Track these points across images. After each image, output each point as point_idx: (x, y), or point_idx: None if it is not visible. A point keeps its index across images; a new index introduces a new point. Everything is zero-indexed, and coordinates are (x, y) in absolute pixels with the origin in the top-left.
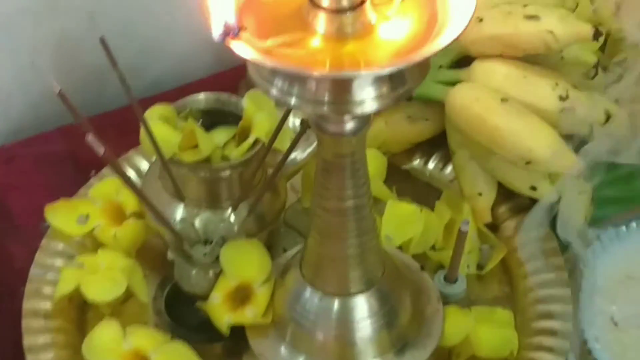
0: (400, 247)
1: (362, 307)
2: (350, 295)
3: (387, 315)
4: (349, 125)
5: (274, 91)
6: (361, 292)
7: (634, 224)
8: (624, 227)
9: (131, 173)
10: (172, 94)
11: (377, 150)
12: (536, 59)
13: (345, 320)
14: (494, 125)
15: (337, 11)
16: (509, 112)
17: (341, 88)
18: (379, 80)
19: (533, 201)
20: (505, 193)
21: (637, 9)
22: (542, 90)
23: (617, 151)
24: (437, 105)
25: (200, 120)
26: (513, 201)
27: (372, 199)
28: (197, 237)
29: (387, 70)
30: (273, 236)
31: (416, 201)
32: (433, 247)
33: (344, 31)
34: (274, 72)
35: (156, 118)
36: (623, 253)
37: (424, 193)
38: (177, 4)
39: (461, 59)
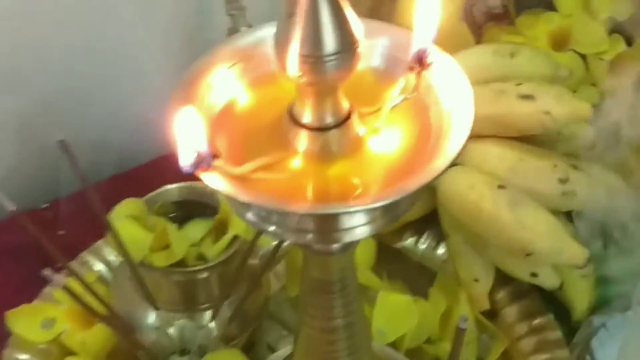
0: (394, 342)
1: None
2: None
3: None
4: (339, 244)
5: (250, 215)
6: None
7: None
8: (631, 312)
9: (101, 266)
10: (143, 170)
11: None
12: (532, 135)
13: None
14: (491, 215)
15: (321, 129)
16: (507, 201)
17: (327, 219)
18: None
19: (534, 285)
20: (503, 276)
21: (631, 67)
22: (541, 173)
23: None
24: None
25: (174, 213)
26: (512, 285)
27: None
28: (173, 346)
29: (379, 204)
30: (256, 332)
31: (408, 284)
32: (429, 340)
33: (329, 150)
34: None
35: (124, 216)
36: (633, 342)
37: (416, 275)
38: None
39: None
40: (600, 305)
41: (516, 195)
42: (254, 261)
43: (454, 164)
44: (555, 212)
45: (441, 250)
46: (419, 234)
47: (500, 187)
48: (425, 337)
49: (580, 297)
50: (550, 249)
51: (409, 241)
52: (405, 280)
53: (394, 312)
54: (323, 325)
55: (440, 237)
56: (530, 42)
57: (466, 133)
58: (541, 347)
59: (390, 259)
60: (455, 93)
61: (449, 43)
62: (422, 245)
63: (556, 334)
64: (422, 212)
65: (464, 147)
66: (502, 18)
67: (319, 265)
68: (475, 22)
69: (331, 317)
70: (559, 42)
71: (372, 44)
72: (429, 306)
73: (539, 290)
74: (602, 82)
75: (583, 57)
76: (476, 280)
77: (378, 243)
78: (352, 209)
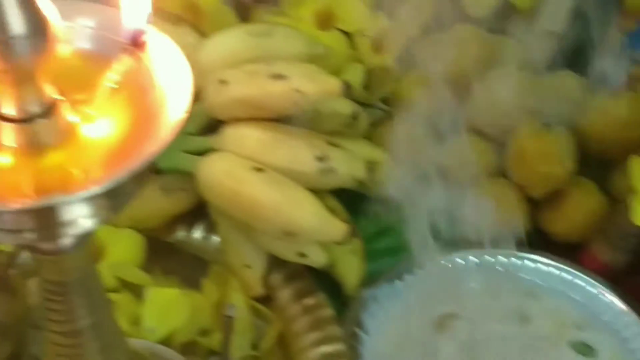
0: (166, 338)
1: None
2: None
3: None
4: (67, 240)
5: None
6: None
7: (408, 277)
8: (398, 281)
9: None
10: None
11: (131, 231)
12: (291, 116)
13: None
14: (250, 198)
15: (25, 120)
16: (265, 183)
17: (45, 213)
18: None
19: (308, 266)
20: (278, 260)
21: (396, 42)
22: (298, 152)
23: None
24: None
25: None
26: (287, 268)
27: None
28: None
29: (92, 192)
30: (19, 343)
31: (184, 278)
32: (203, 332)
33: (39, 141)
34: None
35: None
36: (400, 309)
37: (192, 267)
38: None
39: (212, 124)
40: (371, 279)
41: (273, 176)
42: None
43: (212, 150)
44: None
45: (215, 240)
46: (191, 225)
47: (258, 169)
48: (198, 330)
49: (350, 273)
50: (310, 227)
51: (182, 234)
52: (181, 274)
53: (164, 308)
54: (66, 328)
55: (213, 226)
56: (295, 23)
57: (183, 115)
58: (314, 326)
59: (164, 254)
60: (172, 75)
61: (211, 25)
62: (196, 236)
63: (327, 311)
64: (191, 203)
65: (178, 129)
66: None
67: (52, 266)
68: (242, 4)
69: (74, 320)
70: (324, 22)
71: (82, 26)
72: (201, 298)
73: (313, 270)
74: (367, 58)
75: (348, 35)
76: (247, 266)
77: (149, 238)
78: (65, 199)
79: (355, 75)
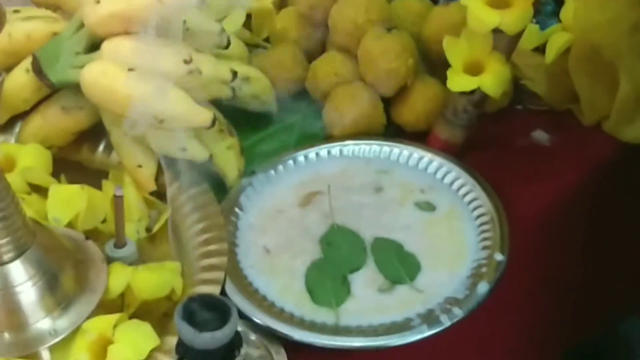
0: (69, 225)
1: (17, 272)
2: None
3: (45, 278)
4: None
5: None
6: (13, 260)
7: (280, 167)
8: (272, 171)
9: None
10: None
11: (37, 145)
12: (164, 34)
13: (5, 286)
14: (123, 92)
15: None
16: (135, 79)
17: None
18: None
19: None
20: (167, 161)
21: None
22: (167, 57)
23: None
24: None
25: None
26: (175, 167)
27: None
28: None
29: None
30: None
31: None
32: (104, 221)
33: None
34: None
35: None
36: (273, 193)
37: (96, 179)
38: None
39: (95, 43)
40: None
41: (145, 74)
42: None
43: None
44: None
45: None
46: (94, 144)
47: (131, 69)
48: (99, 219)
49: (229, 166)
50: (177, 113)
51: (86, 152)
52: (86, 183)
53: (65, 200)
54: None
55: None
56: None
57: None
58: (197, 208)
59: (71, 170)
60: None
61: None
62: (99, 152)
63: (209, 196)
64: (91, 122)
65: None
66: None
67: None
68: None
69: None
70: None
71: None
72: (100, 193)
73: (196, 167)
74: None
75: None
76: (140, 166)
77: (56, 158)
78: None
79: (238, 19)
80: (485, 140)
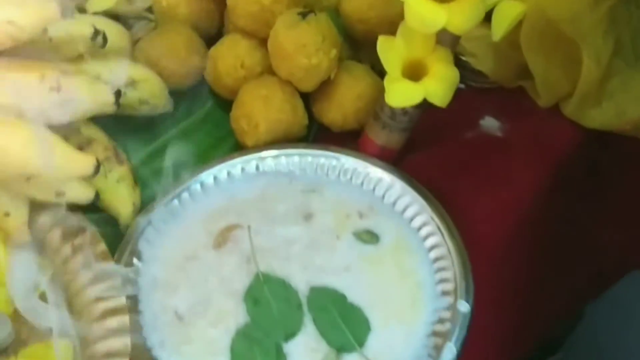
0: None
1: None
2: None
3: None
4: None
5: None
6: None
7: (185, 195)
8: (175, 201)
9: None
10: None
11: None
12: (21, 51)
13: None
14: None
15: None
16: None
17: None
18: None
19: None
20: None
21: None
22: (28, 88)
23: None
24: None
25: None
26: (53, 210)
27: None
28: None
29: None
30: None
31: None
32: None
33: None
34: None
35: None
36: (179, 231)
37: None
38: None
39: None
40: (147, 203)
41: (3, 118)
42: None
43: None
44: None
45: None
46: None
47: None
48: None
49: (121, 203)
50: (50, 167)
51: None
52: None
53: None
54: None
55: None
56: None
57: None
58: (86, 264)
59: None
60: None
61: None
62: None
63: (100, 247)
64: None
65: None
66: None
67: None
68: None
69: None
70: None
71: None
72: None
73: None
74: None
75: None
76: (7, 214)
77: None
78: None
79: None
80: (426, 134)
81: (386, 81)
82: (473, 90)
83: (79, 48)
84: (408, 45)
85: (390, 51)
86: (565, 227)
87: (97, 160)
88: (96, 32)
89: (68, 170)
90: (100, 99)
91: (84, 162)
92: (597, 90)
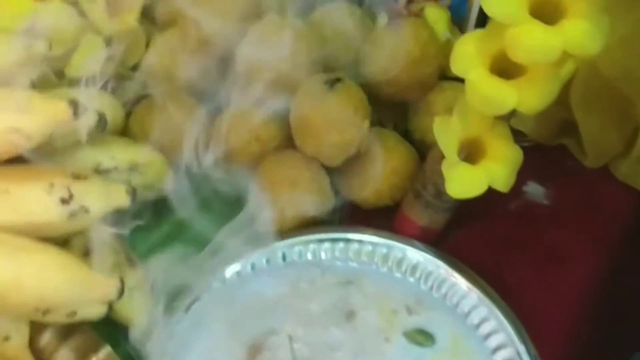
0: None
1: None
2: None
3: None
4: None
5: None
6: None
7: (205, 296)
8: (196, 304)
9: None
10: None
11: None
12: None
13: None
14: None
15: None
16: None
17: None
18: None
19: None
20: None
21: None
22: (37, 200)
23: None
24: None
25: None
26: (56, 326)
27: None
28: None
29: None
30: None
31: None
32: None
33: None
34: None
35: None
36: (202, 344)
37: None
38: None
39: None
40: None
41: (8, 241)
42: None
43: None
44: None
45: None
46: None
47: None
48: None
49: (137, 313)
50: (68, 297)
51: None
52: None
53: None
54: None
55: None
56: None
57: None
58: None
59: None
60: None
61: None
62: None
63: None
64: None
65: None
66: None
67: None
68: None
69: None
70: None
71: None
72: None
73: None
74: (104, 26)
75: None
76: (6, 338)
77: None
78: None
79: (94, 47)
80: (466, 207)
81: (444, 167)
82: None
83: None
84: (465, 124)
85: (448, 133)
86: (632, 297)
87: (122, 281)
88: (101, 119)
89: (89, 296)
90: (115, 203)
91: (107, 287)
92: None
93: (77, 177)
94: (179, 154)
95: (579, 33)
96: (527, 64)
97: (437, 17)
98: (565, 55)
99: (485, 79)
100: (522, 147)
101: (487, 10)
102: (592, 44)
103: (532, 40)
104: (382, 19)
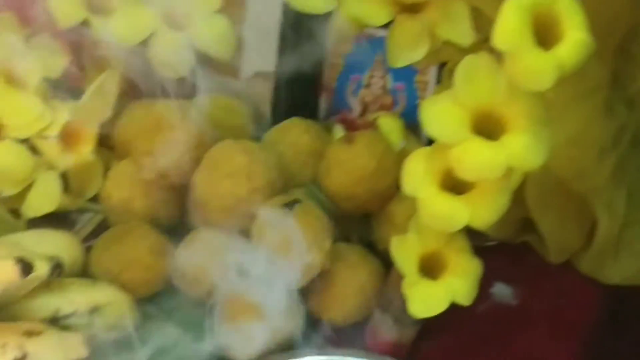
0: None
1: None
2: None
3: None
4: None
5: None
6: None
7: None
8: None
9: None
10: None
11: None
12: None
13: None
14: None
15: None
16: None
17: None
18: None
19: None
20: None
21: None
22: None
23: None
24: None
25: None
26: None
27: None
28: None
29: None
30: None
31: None
32: None
33: None
34: None
35: None
36: None
37: None
38: None
39: None
40: None
41: None
42: None
43: None
44: None
45: None
46: None
47: None
48: None
49: None
50: None
51: None
52: None
53: None
54: None
55: None
56: None
57: None
58: None
59: None
60: None
61: None
62: None
63: None
64: None
65: None
66: None
67: None
68: None
69: None
70: None
71: None
72: None
73: None
74: (58, 160)
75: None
76: None
77: None
78: None
79: (50, 184)
80: (434, 317)
81: (405, 286)
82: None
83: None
84: (422, 240)
85: (405, 251)
86: None
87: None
88: (56, 267)
89: None
90: (72, 356)
91: None
92: (614, 244)
93: (30, 334)
94: (143, 289)
95: (521, 148)
96: (474, 180)
97: (391, 127)
98: (511, 169)
99: (435, 197)
100: (486, 247)
101: (429, 132)
102: (534, 158)
103: (476, 158)
104: (338, 132)
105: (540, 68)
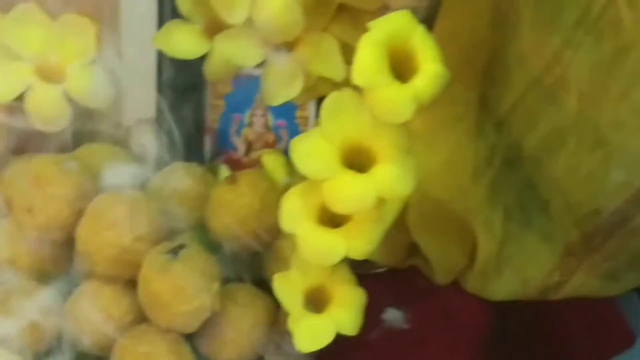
0: None
1: None
2: None
3: None
4: None
5: None
6: None
7: None
8: None
9: None
10: None
11: None
12: None
13: None
14: None
15: None
16: None
17: None
18: None
19: None
20: None
21: None
22: None
23: None
24: None
25: None
26: None
27: None
28: None
29: None
30: None
31: None
32: None
33: None
34: None
35: None
36: None
37: None
38: None
39: None
40: None
41: None
42: None
43: None
44: None
45: None
46: None
47: None
48: None
49: None
50: None
51: None
52: None
53: None
54: None
55: None
56: None
57: None
58: None
59: None
60: None
61: None
62: None
63: None
64: None
65: None
66: None
67: None
68: None
69: None
70: None
71: None
72: None
73: None
74: None
75: None
76: None
77: None
78: None
79: None
80: (329, 349)
81: (290, 322)
82: (362, 280)
83: None
84: (305, 275)
85: (288, 288)
86: None
87: None
88: None
89: None
90: None
91: None
92: (495, 261)
93: None
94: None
95: (389, 178)
96: (348, 213)
97: (275, 164)
98: (382, 199)
99: (312, 232)
100: (375, 274)
101: (300, 169)
102: (403, 186)
103: (346, 192)
104: (224, 173)
105: (398, 101)
